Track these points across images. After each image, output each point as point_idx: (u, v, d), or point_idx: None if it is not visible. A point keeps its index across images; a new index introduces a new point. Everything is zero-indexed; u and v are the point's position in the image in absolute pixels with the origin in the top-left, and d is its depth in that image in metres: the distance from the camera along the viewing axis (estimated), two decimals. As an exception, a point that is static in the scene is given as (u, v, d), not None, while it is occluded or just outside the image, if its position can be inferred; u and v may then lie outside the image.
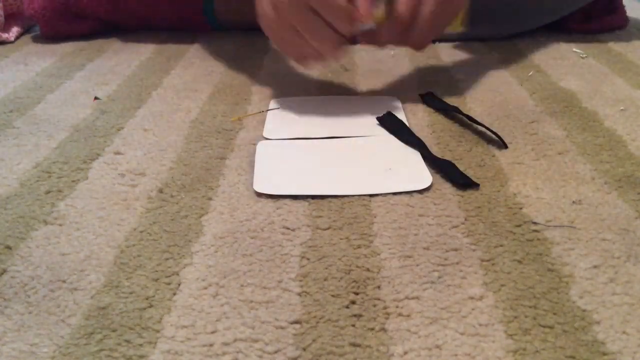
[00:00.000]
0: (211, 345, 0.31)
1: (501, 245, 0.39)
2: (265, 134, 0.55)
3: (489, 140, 0.53)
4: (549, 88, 0.66)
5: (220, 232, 0.41)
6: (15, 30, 0.91)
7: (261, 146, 0.52)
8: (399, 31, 0.54)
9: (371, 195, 0.44)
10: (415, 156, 0.50)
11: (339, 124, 0.56)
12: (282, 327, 0.32)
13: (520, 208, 0.43)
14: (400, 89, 0.66)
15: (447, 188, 0.45)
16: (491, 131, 0.53)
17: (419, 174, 0.47)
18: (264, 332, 0.32)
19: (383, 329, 0.32)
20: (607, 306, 0.33)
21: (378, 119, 0.56)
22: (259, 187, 0.45)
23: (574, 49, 0.79)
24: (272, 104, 0.62)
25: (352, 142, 0.53)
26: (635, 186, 0.45)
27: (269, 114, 0.59)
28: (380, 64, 0.75)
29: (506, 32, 0.84)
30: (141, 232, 0.41)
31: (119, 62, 0.78)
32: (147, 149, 0.52)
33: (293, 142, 0.53)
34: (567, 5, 0.82)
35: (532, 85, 0.67)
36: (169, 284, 0.36)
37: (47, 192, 0.46)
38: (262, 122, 0.57)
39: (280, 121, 0.57)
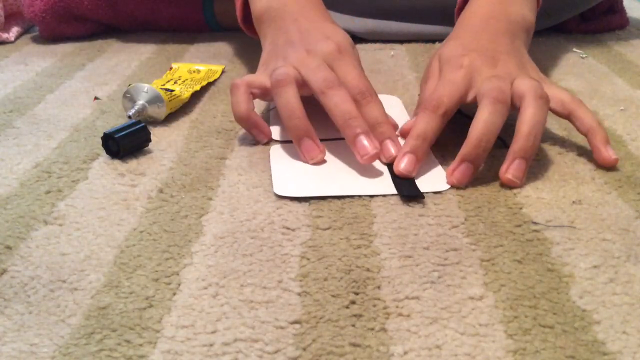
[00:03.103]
0: (211, 345, 0.31)
1: (501, 245, 0.39)
2: None
3: (489, 140, 0.53)
4: (549, 88, 0.65)
5: (220, 232, 0.41)
6: (15, 30, 0.91)
7: (274, 150, 0.52)
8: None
9: (371, 196, 0.44)
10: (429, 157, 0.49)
11: None
12: (282, 327, 0.32)
13: (520, 208, 0.43)
14: (400, 89, 0.66)
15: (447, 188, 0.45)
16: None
17: (436, 175, 0.47)
18: (264, 332, 0.32)
19: (383, 329, 0.32)
20: (607, 306, 0.33)
21: None
22: (280, 190, 0.45)
23: (574, 49, 0.79)
24: (274, 104, 0.62)
25: None
26: (635, 186, 0.45)
27: (272, 115, 0.59)
28: (380, 64, 0.75)
29: None
30: (141, 232, 0.41)
31: (119, 62, 0.78)
32: (147, 149, 0.52)
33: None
34: (569, 9, 0.82)
35: (532, 85, 0.66)
36: (169, 284, 0.36)
37: (47, 192, 0.46)
38: (262, 122, 0.57)
39: (281, 122, 0.57)
